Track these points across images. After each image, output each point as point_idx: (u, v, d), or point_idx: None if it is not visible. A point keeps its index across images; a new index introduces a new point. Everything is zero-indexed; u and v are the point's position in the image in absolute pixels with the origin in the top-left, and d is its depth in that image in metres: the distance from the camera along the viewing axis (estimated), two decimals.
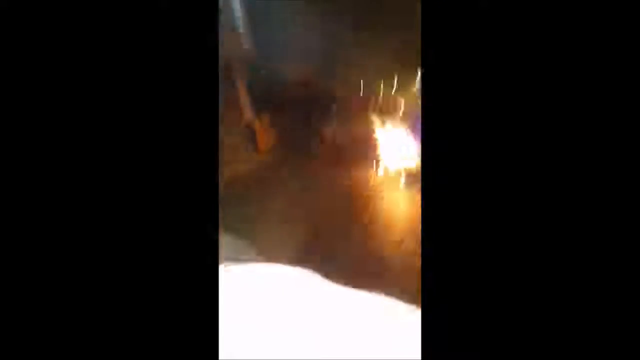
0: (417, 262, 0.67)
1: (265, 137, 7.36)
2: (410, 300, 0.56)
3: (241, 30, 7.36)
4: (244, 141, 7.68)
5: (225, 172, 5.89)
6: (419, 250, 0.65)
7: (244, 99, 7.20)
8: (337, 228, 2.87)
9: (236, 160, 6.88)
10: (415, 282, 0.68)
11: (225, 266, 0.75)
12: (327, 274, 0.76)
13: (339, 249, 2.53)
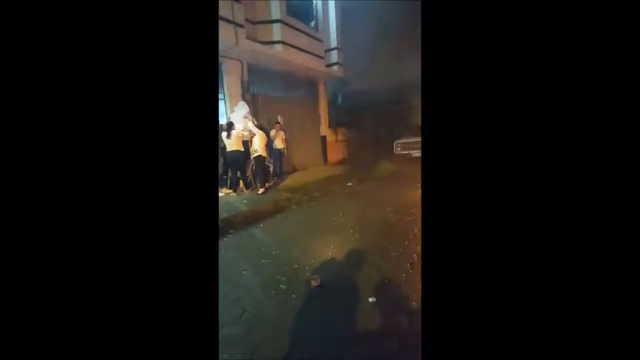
0: None
1: (336, 151, 7.66)
2: None
3: (334, 49, 7.85)
4: (317, 151, 8.08)
5: (293, 178, 6.21)
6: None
7: (323, 113, 7.68)
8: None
9: (305, 168, 7.25)
10: None
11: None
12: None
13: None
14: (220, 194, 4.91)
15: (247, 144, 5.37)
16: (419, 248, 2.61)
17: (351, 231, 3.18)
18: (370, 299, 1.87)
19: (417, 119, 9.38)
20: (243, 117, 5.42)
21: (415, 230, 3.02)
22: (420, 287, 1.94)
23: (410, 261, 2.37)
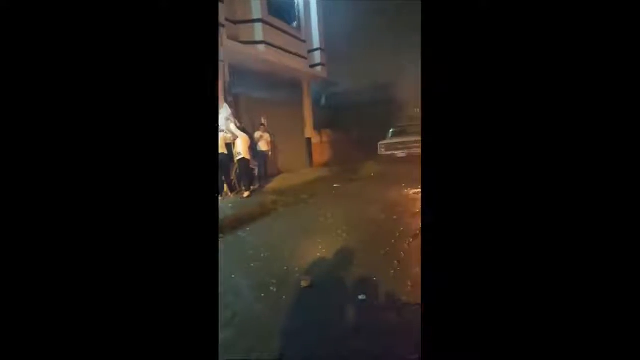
0: None
1: (321, 153, 7.68)
2: None
3: (317, 49, 7.87)
4: (303, 153, 8.08)
5: (279, 181, 6.16)
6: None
7: (308, 114, 7.68)
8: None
9: (290, 170, 7.20)
10: None
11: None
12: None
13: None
14: None
15: (230, 146, 5.27)
16: (406, 245, 2.67)
17: (339, 231, 3.20)
18: (360, 297, 1.89)
19: (401, 119, 9.58)
20: (225, 119, 5.32)
21: (402, 229, 3.08)
22: (407, 282, 2.01)
23: (398, 259, 2.41)
